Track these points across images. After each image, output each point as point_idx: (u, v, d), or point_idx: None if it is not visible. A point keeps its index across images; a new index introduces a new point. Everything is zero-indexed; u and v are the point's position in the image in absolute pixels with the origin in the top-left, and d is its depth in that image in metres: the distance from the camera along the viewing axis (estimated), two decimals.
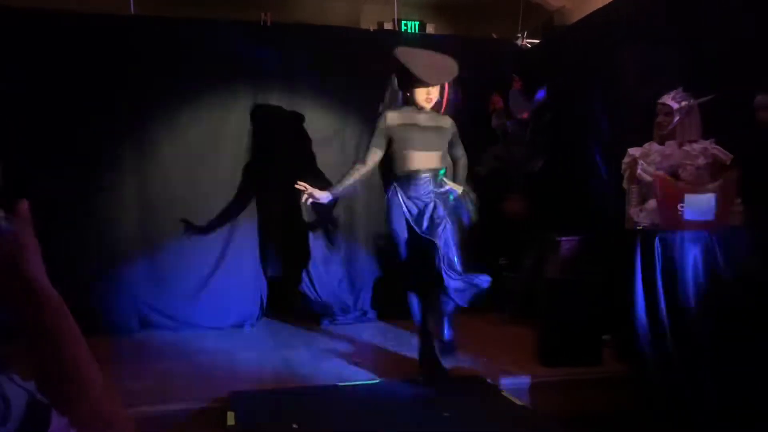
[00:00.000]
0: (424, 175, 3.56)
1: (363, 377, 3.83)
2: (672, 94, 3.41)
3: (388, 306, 5.37)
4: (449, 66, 3.59)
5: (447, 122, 3.66)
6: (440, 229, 3.49)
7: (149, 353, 4.45)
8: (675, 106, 3.34)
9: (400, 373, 3.81)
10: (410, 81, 3.51)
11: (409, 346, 4.38)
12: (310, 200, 3.50)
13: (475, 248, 5.42)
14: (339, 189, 3.60)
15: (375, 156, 3.56)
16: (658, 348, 3.33)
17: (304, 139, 5.37)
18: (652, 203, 3.36)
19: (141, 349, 4.58)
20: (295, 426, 3.00)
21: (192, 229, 5.09)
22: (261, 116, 5.29)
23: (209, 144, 5.18)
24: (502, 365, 3.95)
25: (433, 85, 3.52)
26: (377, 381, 3.75)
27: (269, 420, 3.14)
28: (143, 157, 5.07)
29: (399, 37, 5.59)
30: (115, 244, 4.98)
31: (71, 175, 4.83)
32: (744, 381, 3.09)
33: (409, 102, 3.57)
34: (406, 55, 3.55)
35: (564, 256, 4.45)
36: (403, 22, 6.30)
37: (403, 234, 3.59)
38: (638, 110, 3.66)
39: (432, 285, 3.52)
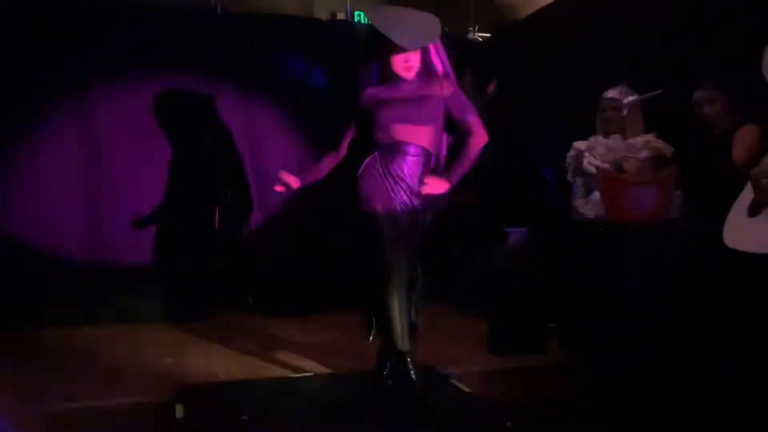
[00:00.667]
0: (411, 149, 3.07)
1: (315, 369, 3.83)
2: (618, 89, 3.51)
3: (339, 299, 5.39)
4: (430, 25, 3.06)
5: (435, 86, 3.09)
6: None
7: (95, 347, 4.35)
8: (623, 100, 3.44)
9: (350, 366, 3.82)
10: (383, 47, 3.00)
11: (361, 339, 4.42)
12: (280, 190, 3.23)
13: (425, 239, 5.51)
14: (310, 178, 3.28)
15: (350, 138, 3.23)
16: (601, 337, 3.44)
17: (254, 133, 5.31)
18: (596, 195, 3.45)
19: (86, 342, 4.47)
20: (245, 417, 2.99)
21: (139, 219, 4.99)
22: (210, 104, 5.20)
23: (156, 132, 5.06)
24: (452, 354, 4.01)
25: (410, 50, 3.00)
26: (329, 373, 3.76)
27: (219, 412, 3.11)
28: (87, 146, 4.93)
29: (351, 28, 5.58)
30: (60, 233, 4.84)
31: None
32: (686, 369, 3.22)
33: (388, 76, 3.10)
34: (378, 15, 3.07)
35: (512, 247, 4.53)
36: (356, 13, 6.29)
37: (380, 211, 3.09)
38: (583, 104, 3.74)
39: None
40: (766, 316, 2.66)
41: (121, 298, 4.95)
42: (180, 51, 5.06)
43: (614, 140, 3.45)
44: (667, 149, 3.38)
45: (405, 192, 3.08)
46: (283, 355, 4.10)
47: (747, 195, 2.65)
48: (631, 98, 3.44)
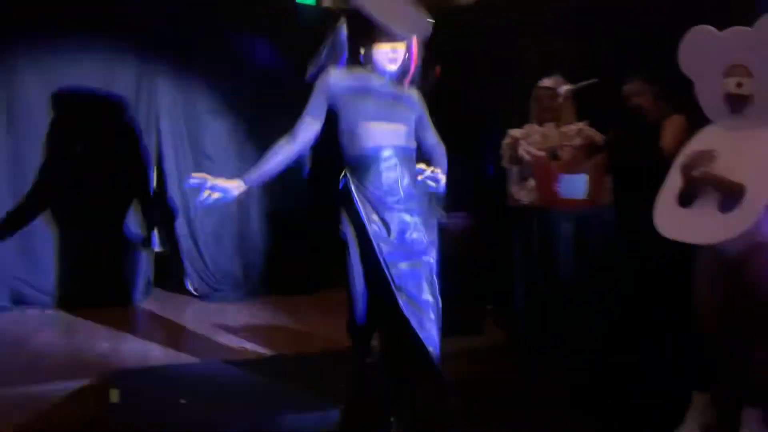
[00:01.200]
0: (386, 155, 2.53)
1: (254, 353, 3.82)
2: (552, 78, 3.61)
3: (280, 282, 5.39)
4: (421, 16, 2.65)
5: (412, 93, 2.68)
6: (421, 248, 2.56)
7: (25, 332, 4.21)
8: (558, 89, 3.54)
9: (292, 348, 3.84)
10: (369, 33, 2.54)
11: (302, 321, 4.44)
12: (213, 197, 2.44)
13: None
14: (254, 176, 2.53)
15: (310, 128, 2.56)
16: (533, 318, 3.57)
17: (192, 114, 5.21)
18: (532, 182, 3.56)
19: (16, 327, 4.32)
20: (183, 401, 2.97)
21: (70, 200, 4.83)
22: (147, 84, 5.07)
23: (90, 110, 4.90)
24: None
25: (401, 39, 2.55)
26: (268, 356, 3.76)
27: (155, 397, 3.08)
28: (17, 126, 4.74)
29: (294, 9, 5.52)
30: None
31: None
32: (612, 348, 3.38)
33: (363, 62, 2.59)
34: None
35: (451, 230, 4.62)
36: None
37: (354, 247, 2.54)
38: (518, 92, 3.83)
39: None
40: (686, 296, 2.81)
41: (51, 282, 4.80)
42: (116, 27, 4.88)
43: (548, 128, 3.56)
44: (598, 137, 3.52)
45: (402, 206, 2.54)
46: (222, 339, 4.09)
47: (673, 183, 2.78)
48: (566, 87, 3.55)
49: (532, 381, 3.48)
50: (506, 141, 3.68)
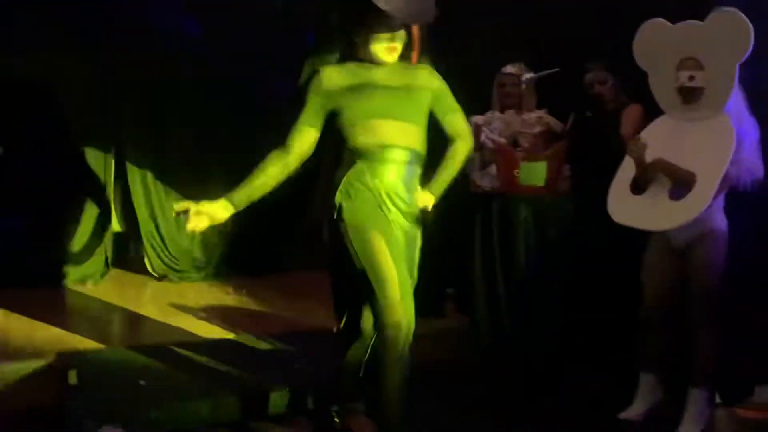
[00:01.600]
0: (397, 156, 2.27)
1: (214, 334, 3.82)
2: (516, 65, 3.66)
3: (242, 263, 5.37)
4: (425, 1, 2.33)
5: (423, 77, 2.37)
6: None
7: None
8: (522, 76, 3.59)
9: (253, 329, 3.84)
10: (367, 20, 2.23)
11: (262, 302, 4.44)
12: (201, 226, 2.19)
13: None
14: (243, 195, 2.24)
15: (306, 137, 2.28)
16: (492, 302, 3.64)
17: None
18: (493, 168, 3.61)
19: None
20: (142, 383, 2.96)
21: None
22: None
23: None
24: None
25: (403, 24, 2.26)
26: (230, 337, 3.76)
27: (114, 377, 3.07)
28: None
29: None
30: None
31: None
32: (570, 333, 3.47)
33: (359, 55, 2.32)
34: None
35: None
36: None
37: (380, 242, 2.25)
38: (481, 79, 3.87)
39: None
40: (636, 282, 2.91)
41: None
42: None
43: (510, 115, 3.61)
44: (558, 125, 3.58)
45: (402, 214, 2.31)
46: (181, 321, 4.07)
47: (627, 170, 2.86)
48: (529, 75, 3.60)
49: (490, 365, 3.56)
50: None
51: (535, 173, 3.42)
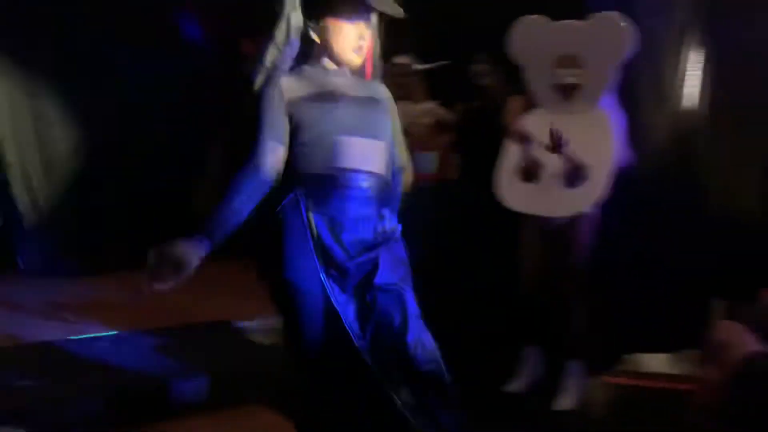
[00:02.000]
0: (362, 183, 1.87)
1: (96, 330, 3.65)
2: (406, 56, 3.76)
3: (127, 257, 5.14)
4: None
5: (383, 92, 2.05)
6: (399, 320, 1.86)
7: None
8: (412, 67, 3.70)
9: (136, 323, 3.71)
10: (330, 9, 1.86)
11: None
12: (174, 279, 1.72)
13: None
14: (218, 228, 1.76)
15: (276, 153, 1.83)
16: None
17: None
18: None
19: None
20: (21, 383, 2.82)
21: None
22: None
23: None
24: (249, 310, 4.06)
25: (368, 18, 1.90)
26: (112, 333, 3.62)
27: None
28: None
29: None
30: None
31: None
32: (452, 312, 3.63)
33: (319, 56, 1.92)
34: None
35: None
36: None
37: (307, 291, 1.81)
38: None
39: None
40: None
41: None
42: None
43: (401, 106, 3.70)
44: (448, 116, 3.72)
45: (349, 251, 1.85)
46: (61, 317, 3.87)
47: (512, 158, 2.98)
48: (419, 66, 3.71)
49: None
50: None
51: (427, 162, 3.55)
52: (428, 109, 3.71)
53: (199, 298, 4.06)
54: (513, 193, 2.95)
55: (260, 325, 3.78)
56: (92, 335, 3.56)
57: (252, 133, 1.84)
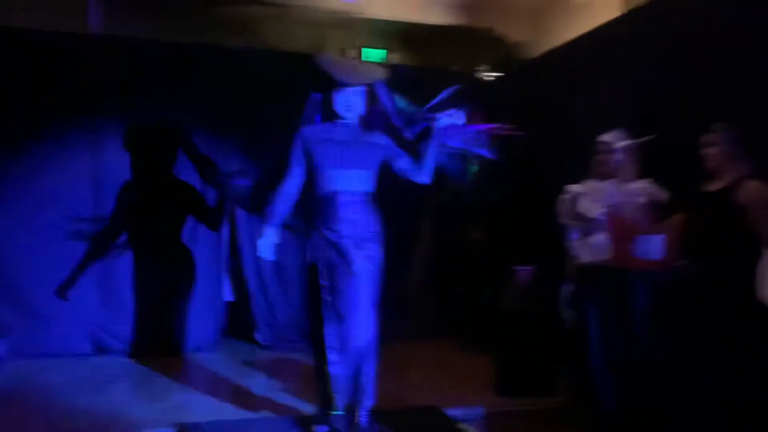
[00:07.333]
0: (343, 199, 3.06)
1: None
2: (612, 133, 3.54)
3: None
4: (372, 69, 3.37)
5: (378, 138, 3.19)
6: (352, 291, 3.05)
7: (104, 379, 4.36)
8: (616, 145, 3.47)
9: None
10: (329, 87, 3.12)
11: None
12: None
13: (433, 276, 5.53)
14: (274, 218, 3.14)
15: (296, 176, 3.14)
16: (611, 383, 3.42)
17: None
18: (594, 239, 3.45)
19: (95, 374, 4.48)
20: None
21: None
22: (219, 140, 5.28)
23: (168, 167, 5.14)
24: (457, 395, 3.98)
25: (351, 86, 3.09)
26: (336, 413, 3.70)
27: None
28: (102, 179, 5.02)
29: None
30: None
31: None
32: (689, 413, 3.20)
33: (330, 116, 3.15)
34: (326, 60, 3.31)
35: (519, 285, 4.54)
36: (365, 50, 6.39)
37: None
38: (585, 147, 3.78)
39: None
40: None
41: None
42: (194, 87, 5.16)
43: (609, 185, 3.47)
44: (663, 195, 3.41)
45: (353, 244, 3.05)
46: (290, 391, 4.09)
47: None
48: (623, 143, 3.48)
49: None
50: (566, 196, 3.61)
51: (652, 247, 3.23)
52: (641, 188, 3.43)
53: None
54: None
55: (468, 414, 3.67)
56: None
57: None
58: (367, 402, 3.21)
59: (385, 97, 3.22)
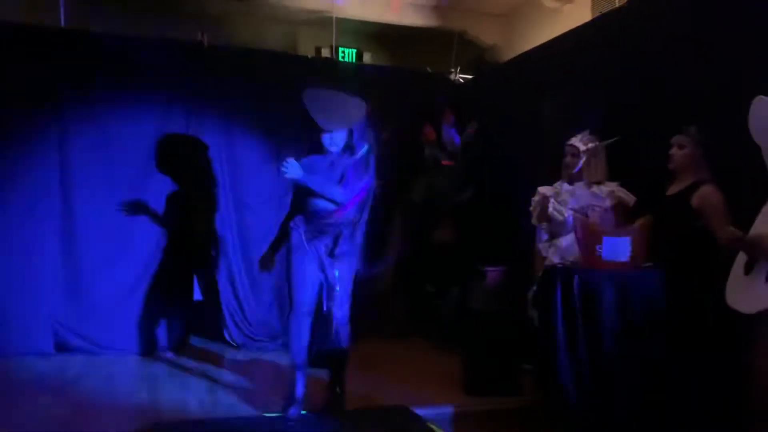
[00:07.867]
0: (321, 208, 3.52)
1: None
2: (579, 136, 3.60)
3: None
4: (354, 110, 3.51)
5: (349, 160, 3.57)
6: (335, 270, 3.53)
7: (65, 379, 4.28)
8: (582, 147, 3.53)
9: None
10: (318, 125, 3.47)
11: None
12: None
13: (403, 275, 5.55)
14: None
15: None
16: (577, 381, 3.47)
17: (236, 166, 5.33)
18: (562, 241, 3.51)
19: (59, 373, 4.40)
20: None
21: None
22: (193, 140, 5.22)
23: (139, 166, 5.07)
24: (426, 394, 4.00)
25: (330, 131, 3.46)
26: (303, 413, 3.71)
27: None
28: (69, 177, 4.93)
29: (336, 66, 5.66)
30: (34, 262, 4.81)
31: None
32: (661, 414, 3.27)
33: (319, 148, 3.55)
34: (311, 98, 3.45)
35: (488, 285, 4.59)
36: (340, 49, 6.38)
37: (301, 266, 3.58)
38: (554, 150, 3.84)
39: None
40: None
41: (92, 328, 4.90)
42: (165, 85, 5.09)
43: (578, 187, 3.53)
44: (630, 198, 3.47)
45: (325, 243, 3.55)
46: (261, 391, 4.07)
47: (740, 258, 2.70)
48: (591, 145, 3.54)
49: None
50: (535, 198, 3.66)
51: (618, 248, 3.30)
52: (609, 191, 3.49)
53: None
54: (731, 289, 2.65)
55: (437, 413, 3.70)
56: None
57: None
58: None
59: (359, 135, 3.55)
